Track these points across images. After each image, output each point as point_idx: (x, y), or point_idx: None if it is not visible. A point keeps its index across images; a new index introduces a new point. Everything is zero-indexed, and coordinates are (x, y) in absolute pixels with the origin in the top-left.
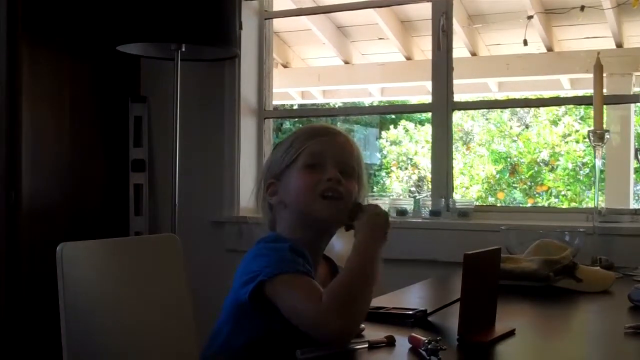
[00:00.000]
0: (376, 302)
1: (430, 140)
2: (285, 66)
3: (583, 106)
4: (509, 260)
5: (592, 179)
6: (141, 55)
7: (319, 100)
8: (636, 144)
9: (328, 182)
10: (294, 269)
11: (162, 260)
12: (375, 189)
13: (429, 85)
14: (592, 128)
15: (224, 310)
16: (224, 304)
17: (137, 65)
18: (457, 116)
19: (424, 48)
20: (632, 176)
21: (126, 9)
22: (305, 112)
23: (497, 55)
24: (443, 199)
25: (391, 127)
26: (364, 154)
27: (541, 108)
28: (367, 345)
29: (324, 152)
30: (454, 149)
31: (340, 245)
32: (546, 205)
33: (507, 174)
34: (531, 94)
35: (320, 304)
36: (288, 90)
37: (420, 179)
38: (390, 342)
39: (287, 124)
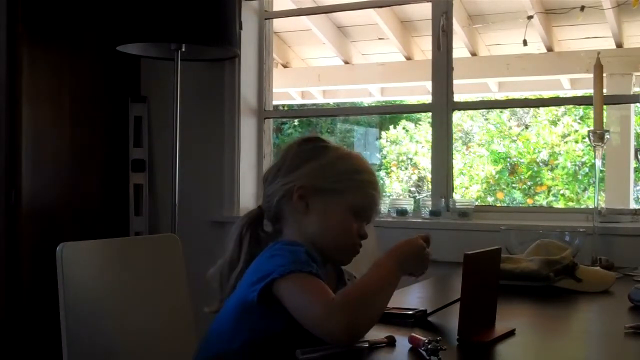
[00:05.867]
0: None
1: (430, 140)
2: (285, 66)
3: (582, 106)
4: (509, 260)
5: (592, 178)
6: (141, 55)
7: (319, 100)
8: (636, 144)
9: (360, 239)
10: (307, 269)
11: (162, 260)
12: None
13: (429, 85)
14: (592, 128)
15: (225, 310)
16: (226, 304)
17: (137, 65)
18: (457, 116)
19: (424, 48)
20: (632, 176)
21: (126, 9)
22: (305, 112)
23: (497, 55)
24: (443, 199)
25: (391, 127)
26: (364, 154)
27: (541, 108)
28: (367, 345)
29: (372, 207)
30: (453, 149)
31: None
32: (544, 204)
33: (507, 174)
34: (531, 94)
35: (329, 303)
36: (288, 90)
37: (420, 179)
38: (390, 342)
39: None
